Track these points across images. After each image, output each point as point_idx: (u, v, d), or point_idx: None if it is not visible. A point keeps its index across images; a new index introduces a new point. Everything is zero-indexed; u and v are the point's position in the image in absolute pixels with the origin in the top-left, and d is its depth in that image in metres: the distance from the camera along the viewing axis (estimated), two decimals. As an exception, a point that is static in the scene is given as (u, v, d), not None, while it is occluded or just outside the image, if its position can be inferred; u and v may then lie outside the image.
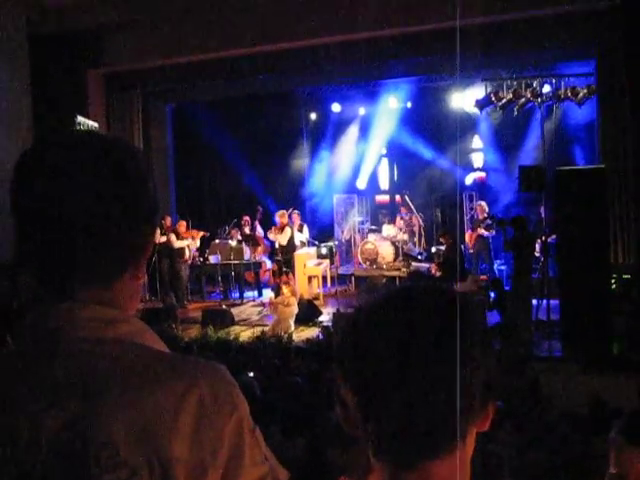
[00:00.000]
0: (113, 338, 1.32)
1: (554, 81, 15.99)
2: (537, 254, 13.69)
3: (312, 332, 12.75)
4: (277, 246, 16.67)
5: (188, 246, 15.95)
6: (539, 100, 15.62)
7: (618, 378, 9.63)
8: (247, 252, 16.62)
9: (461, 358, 1.07)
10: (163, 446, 1.23)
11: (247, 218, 17.92)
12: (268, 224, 17.61)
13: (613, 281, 11.80)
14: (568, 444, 5.19)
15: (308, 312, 13.88)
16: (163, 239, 15.54)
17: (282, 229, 16.51)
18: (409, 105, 19.37)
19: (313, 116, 20.85)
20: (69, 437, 1.23)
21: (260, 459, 1.35)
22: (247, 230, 17.62)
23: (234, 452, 1.29)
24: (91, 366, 1.28)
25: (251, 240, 17.17)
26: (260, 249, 17.48)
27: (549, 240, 13.35)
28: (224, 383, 1.33)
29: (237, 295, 16.60)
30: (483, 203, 16.82)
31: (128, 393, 1.25)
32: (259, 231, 17.81)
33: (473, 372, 1.09)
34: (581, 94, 15.34)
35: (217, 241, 16.71)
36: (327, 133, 20.99)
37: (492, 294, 13.06)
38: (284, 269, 14.75)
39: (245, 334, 12.85)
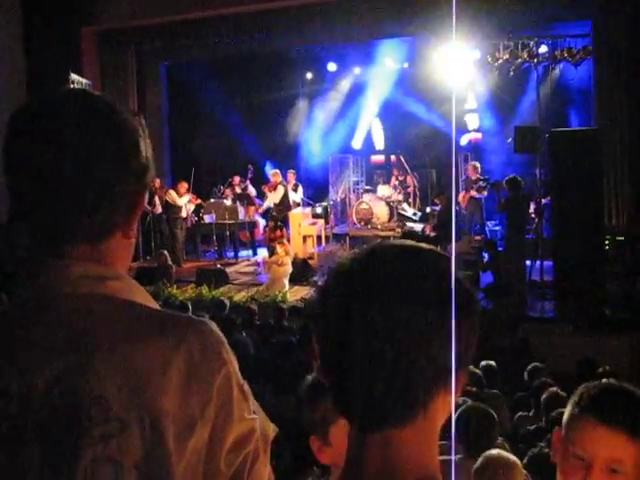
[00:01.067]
0: (104, 295, 1.34)
1: (550, 42, 15.90)
2: (532, 215, 13.72)
3: (306, 291, 12.82)
4: (271, 205, 16.67)
5: (185, 205, 15.95)
6: (535, 61, 15.53)
7: (610, 339, 9.72)
8: (241, 211, 16.61)
9: (423, 324, 1.06)
10: (152, 400, 1.25)
11: (237, 178, 17.88)
12: (262, 184, 17.58)
13: (606, 242, 11.84)
14: (556, 404, 5.24)
15: (303, 271, 13.95)
16: (159, 210, 15.61)
17: (275, 187, 16.49)
18: (405, 65, 19.25)
19: (309, 75, 20.72)
20: (60, 391, 1.25)
21: (249, 414, 1.37)
22: (238, 190, 17.57)
23: (223, 407, 1.31)
24: (82, 322, 1.30)
25: (245, 199, 17.16)
26: (253, 208, 17.46)
27: (543, 201, 13.38)
28: (213, 339, 1.35)
29: (232, 254, 16.62)
30: (476, 164, 16.77)
31: (118, 348, 1.27)
32: (250, 190, 17.76)
33: (437, 339, 1.06)
34: (577, 55, 15.26)
35: (212, 200, 16.68)
36: (323, 93, 20.90)
37: (485, 255, 13.10)
38: (278, 223, 14.78)
39: (240, 294, 12.91)
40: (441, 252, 1.17)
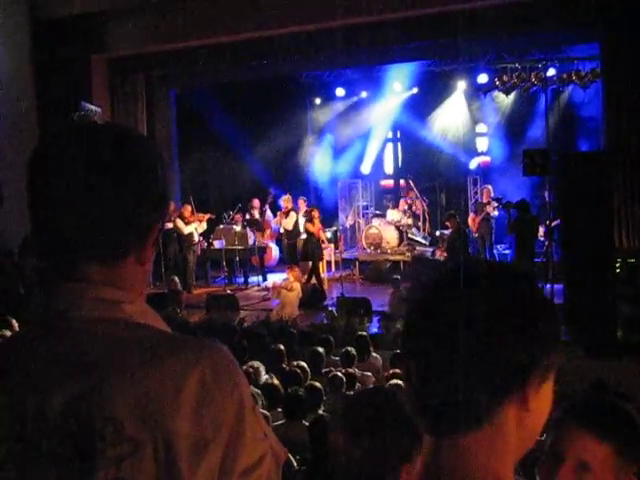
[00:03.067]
0: (118, 318, 1.36)
1: (559, 65, 15.96)
2: (541, 238, 13.68)
3: (317, 316, 12.79)
4: (282, 231, 16.69)
5: (196, 229, 15.97)
6: (543, 84, 15.58)
7: (622, 362, 9.65)
8: (251, 237, 16.63)
9: (488, 340, 1.11)
10: (166, 422, 1.26)
11: (256, 201, 17.93)
12: (274, 210, 17.65)
13: (617, 265, 11.79)
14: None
15: (313, 296, 13.94)
16: (169, 225, 15.57)
17: (287, 214, 16.54)
18: (414, 91, 19.36)
19: (317, 101, 20.85)
20: (74, 413, 1.26)
21: (260, 436, 1.39)
22: (256, 214, 17.62)
23: (235, 429, 1.32)
24: (96, 345, 1.32)
25: (255, 225, 17.18)
26: (267, 234, 17.50)
27: (553, 224, 13.36)
28: (225, 361, 1.36)
29: (242, 280, 16.63)
30: (489, 187, 16.82)
31: (132, 371, 1.28)
32: (268, 215, 17.82)
33: (501, 353, 1.11)
34: (586, 78, 15.30)
35: (221, 226, 16.71)
36: (331, 118, 20.99)
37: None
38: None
39: (250, 319, 12.90)
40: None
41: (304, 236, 15.63)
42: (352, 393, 1.99)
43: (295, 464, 5.04)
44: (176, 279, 13.99)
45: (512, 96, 17.75)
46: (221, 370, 1.34)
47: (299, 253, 15.83)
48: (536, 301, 1.18)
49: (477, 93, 18.54)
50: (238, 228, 16.54)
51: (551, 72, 16.11)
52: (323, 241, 15.57)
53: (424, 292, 1.20)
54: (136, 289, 1.44)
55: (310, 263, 15.21)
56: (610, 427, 1.87)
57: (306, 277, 14.91)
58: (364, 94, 20.11)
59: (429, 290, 1.20)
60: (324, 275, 15.65)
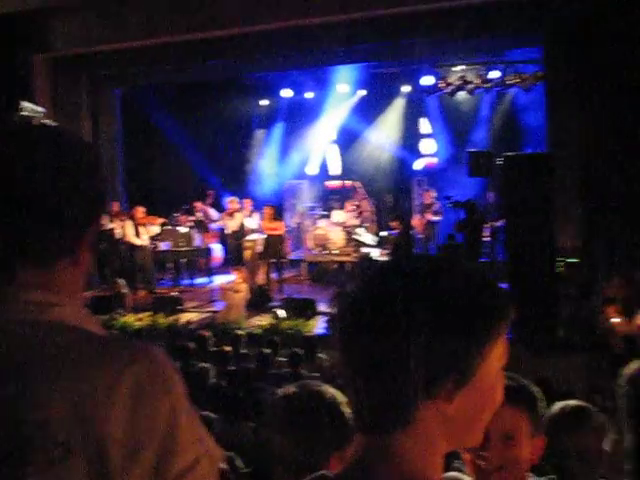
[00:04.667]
0: (51, 321, 1.34)
1: (503, 67, 16.16)
2: (487, 238, 13.84)
3: (263, 318, 12.77)
4: (229, 232, 16.63)
5: (147, 231, 15.77)
6: (487, 86, 15.76)
7: (563, 360, 9.81)
8: (197, 238, 16.54)
9: (400, 336, 1.12)
10: (98, 426, 1.24)
11: (199, 204, 17.85)
12: (219, 209, 17.57)
13: (559, 265, 11.98)
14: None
15: (259, 298, 13.91)
16: (110, 226, 15.41)
17: (232, 215, 16.46)
18: (360, 93, 19.45)
19: (263, 102, 20.81)
20: (3, 418, 1.24)
21: (195, 439, 1.37)
22: (200, 215, 17.54)
23: (169, 432, 1.31)
24: (26, 348, 1.29)
25: (201, 226, 17.10)
26: (210, 235, 17.42)
27: (498, 224, 13.52)
28: (160, 364, 1.34)
29: (188, 282, 16.51)
30: (431, 190, 17.00)
31: (64, 374, 1.26)
32: (211, 214, 17.73)
33: (417, 347, 1.12)
34: (528, 80, 15.51)
35: (167, 228, 16.59)
36: (277, 119, 21.02)
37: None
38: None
39: (196, 321, 12.83)
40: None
41: (261, 235, 15.55)
42: (288, 392, 2.04)
43: (242, 466, 5.03)
44: (121, 281, 13.84)
45: (457, 98, 17.94)
46: (155, 373, 1.32)
47: (260, 252, 15.66)
48: (468, 300, 1.16)
49: (422, 95, 18.68)
50: (183, 229, 16.44)
51: (494, 74, 16.29)
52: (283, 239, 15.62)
53: (358, 291, 1.21)
54: (71, 292, 1.42)
55: (266, 263, 15.21)
56: (522, 399, 2.10)
57: (265, 277, 14.96)
58: (310, 95, 20.11)
59: (362, 289, 1.21)
60: (271, 276, 15.62)
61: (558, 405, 3.09)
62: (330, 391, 2.25)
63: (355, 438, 1.22)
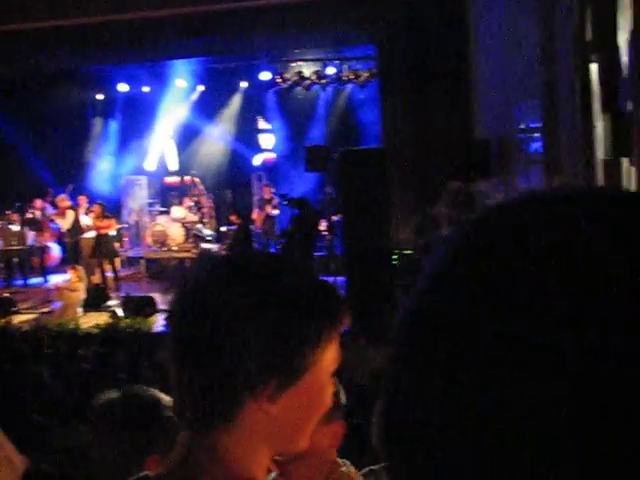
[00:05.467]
0: None
1: (339, 64, 16.41)
2: (324, 232, 14.03)
3: (101, 317, 12.48)
4: (64, 230, 16.14)
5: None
6: (323, 82, 15.99)
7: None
8: (31, 237, 15.97)
9: (223, 332, 1.12)
10: None
11: (39, 202, 17.28)
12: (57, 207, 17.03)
13: (395, 257, 12.29)
14: (350, 415, 5.38)
15: (96, 297, 13.57)
16: None
17: (63, 213, 15.94)
18: (199, 88, 19.31)
19: (99, 96, 20.32)
20: None
21: None
22: (38, 214, 16.95)
23: None
24: None
25: (34, 224, 16.52)
26: (47, 234, 16.85)
27: (335, 219, 13.74)
28: None
29: (21, 282, 15.93)
30: (270, 185, 17.14)
31: None
32: (49, 212, 17.17)
33: (239, 345, 1.11)
34: (363, 77, 15.84)
35: (-2, 226, 15.95)
36: (115, 113, 20.56)
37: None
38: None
39: (30, 323, 12.39)
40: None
41: (93, 233, 15.14)
42: (110, 397, 2.05)
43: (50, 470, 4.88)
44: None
45: (295, 94, 18.10)
46: None
47: (91, 250, 15.25)
48: (295, 303, 1.16)
49: (260, 90, 18.75)
50: (15, 228, 15.84)
51: (330, 70, 16.53)
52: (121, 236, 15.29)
53: (187, 287, 1.21)
54: None
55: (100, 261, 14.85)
56: None
57: (100, 276, 14.60)
58: (147, 89, 19.77)
59: (191, 285, 1.21)
60: (109, 274, 15.28)
61: None
62: (152, 394, 2.26)
63: (179, 437, 1.21)
